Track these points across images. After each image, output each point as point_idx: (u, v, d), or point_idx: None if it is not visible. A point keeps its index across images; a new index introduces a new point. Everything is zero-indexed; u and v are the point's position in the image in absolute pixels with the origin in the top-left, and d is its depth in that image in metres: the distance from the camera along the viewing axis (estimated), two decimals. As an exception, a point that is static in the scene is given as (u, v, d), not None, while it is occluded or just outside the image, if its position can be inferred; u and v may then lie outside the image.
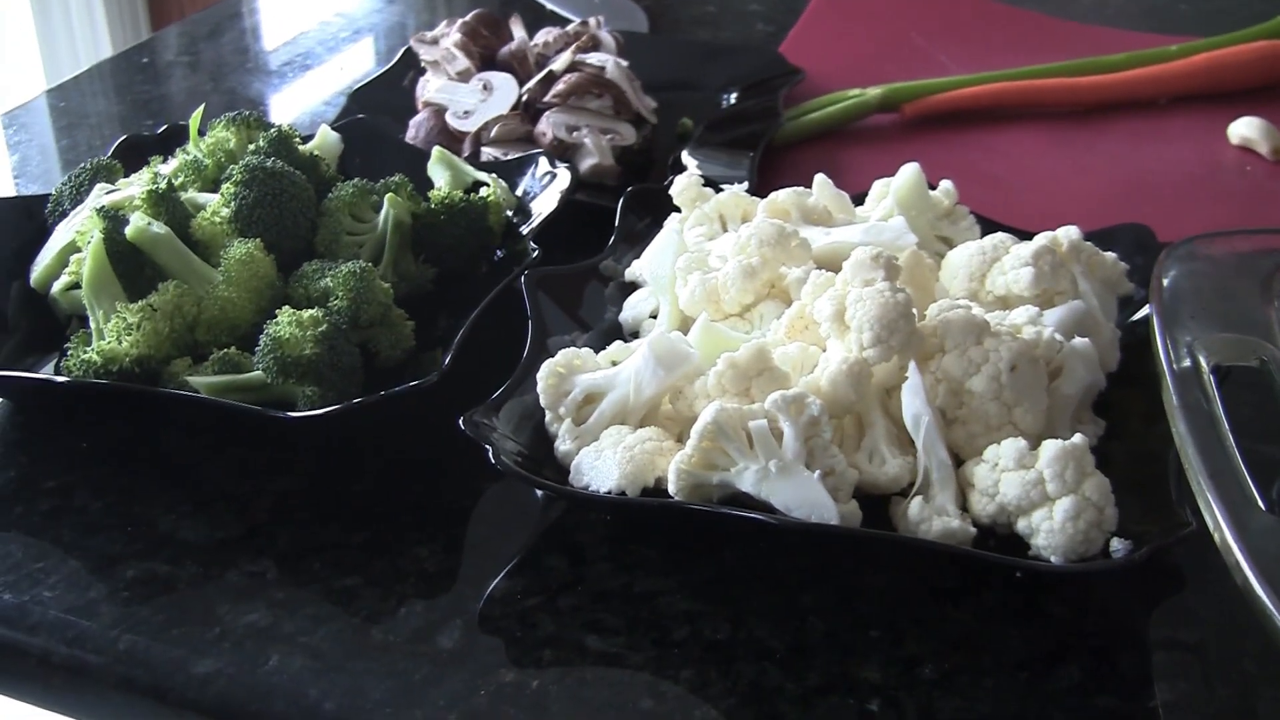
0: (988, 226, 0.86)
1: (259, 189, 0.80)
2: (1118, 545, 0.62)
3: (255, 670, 0.59)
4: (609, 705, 0.58)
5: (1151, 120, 1.19)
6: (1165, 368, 0.67)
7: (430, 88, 1.10)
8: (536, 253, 0.83)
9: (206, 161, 0.89)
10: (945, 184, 0.87)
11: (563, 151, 1.02)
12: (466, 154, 1.03)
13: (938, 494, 0.66)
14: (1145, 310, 0.75)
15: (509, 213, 0.90)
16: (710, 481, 0.64)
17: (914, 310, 0.69)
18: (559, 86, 1.06)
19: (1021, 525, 0.64)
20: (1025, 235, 0.81)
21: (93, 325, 0.76)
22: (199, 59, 1.37)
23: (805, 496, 0.62)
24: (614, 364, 0.72)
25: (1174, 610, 0.64)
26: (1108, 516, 0.63)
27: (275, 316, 0.73)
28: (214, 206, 0.81)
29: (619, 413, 0.69)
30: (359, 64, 1.35)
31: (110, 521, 0.69)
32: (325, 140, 0.95)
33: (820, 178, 0.88)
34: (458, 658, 0.60)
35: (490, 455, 0.64)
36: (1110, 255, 0.81)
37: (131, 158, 0.93)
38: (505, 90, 1.08)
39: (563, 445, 0.69)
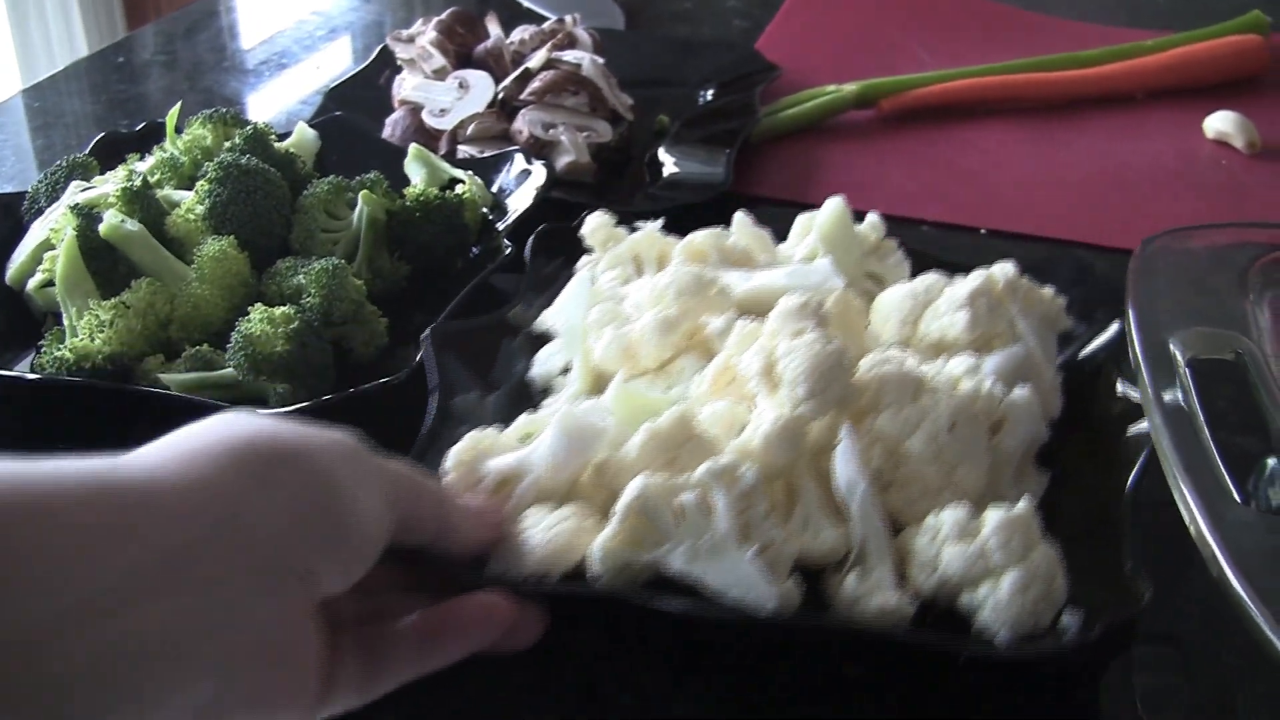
0: (918, 260, 0.81)
1: (232, 186, 0.80)
2: (1068, 620, 0.57)
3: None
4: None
5: (1128, 115, 1.19)
6: (1141, 361, 0.67)
7: (406, 86, 1.10)
8: (510, 249, 0.83)
9: (183, 159, 0.88)
10: (871, 218, 0.82)
11: (539, 149, 1.02)
12: (443, 151, 1.03)
13: (875, 566, 0.59)
14: (1092, 346, 0.73)
15: (485, 210, 0.90)
16: (639, 560, 0.57)
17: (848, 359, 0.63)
18: (535, 84, 1.06)
19: (965, 599, 0.58)
20: (960, 268, 0.75)
21: (66, 322, 0.76)
22: (175, 58, 1.36)
23: (739, 577, 0.56)
24: (527, 436, 0.65)
25: (1153, 603, 0.64)
26: (1057, 588, 0.58)
27: (248, 314, 0.73)
28: (188, 204, 0.81)
29: (538, 494, 0.61)
30: (336, 62, 1.35)
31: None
32: (302, 138, 0.94)
33: (739, 216, 0.82)
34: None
35: None
36: (1048, 290, 0.75)
37: (109, 155, 0.92)
38: (481, 88, 1.07)
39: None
